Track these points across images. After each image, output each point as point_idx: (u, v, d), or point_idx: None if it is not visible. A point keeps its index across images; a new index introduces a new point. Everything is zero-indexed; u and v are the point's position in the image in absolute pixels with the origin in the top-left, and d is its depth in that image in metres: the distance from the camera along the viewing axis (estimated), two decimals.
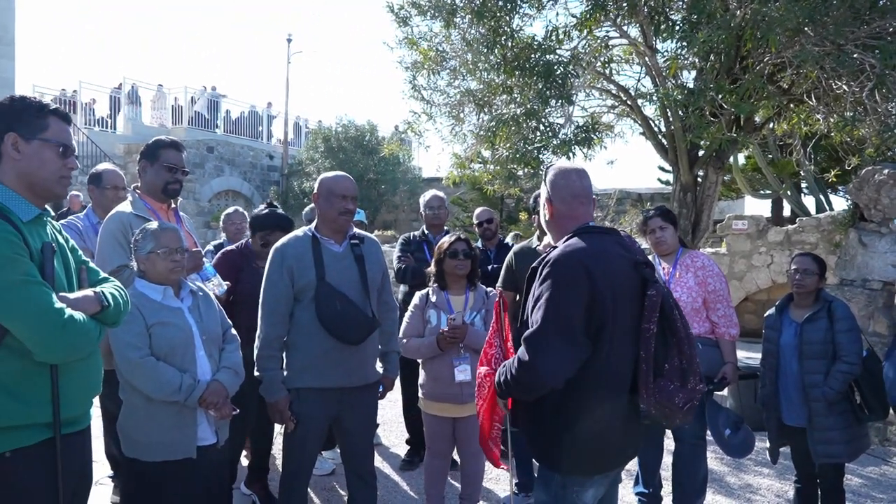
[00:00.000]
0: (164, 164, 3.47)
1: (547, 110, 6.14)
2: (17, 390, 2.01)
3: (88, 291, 2.18)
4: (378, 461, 4.93)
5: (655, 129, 6.87)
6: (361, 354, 3.30)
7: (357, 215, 3.84)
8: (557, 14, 6.37)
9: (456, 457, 4.21)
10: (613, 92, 7.02)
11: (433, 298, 3.87)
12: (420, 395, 3.90)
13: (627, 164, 69.46)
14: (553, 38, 5.97)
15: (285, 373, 3.27)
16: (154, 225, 2.93)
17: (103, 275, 2.40)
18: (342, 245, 3.32)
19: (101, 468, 4.11)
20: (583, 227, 2.40)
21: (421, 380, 3.90)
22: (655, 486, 4.30)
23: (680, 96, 5.53)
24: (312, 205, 3.43)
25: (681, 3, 5.91)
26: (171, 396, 2.74)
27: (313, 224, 3.36)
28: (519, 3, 5.98)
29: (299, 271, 3.19)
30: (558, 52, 6.09)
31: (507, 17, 6.04)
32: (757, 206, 18.69)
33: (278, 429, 4.37)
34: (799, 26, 4.93)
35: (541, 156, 6.23)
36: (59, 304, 2.00)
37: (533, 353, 2.19)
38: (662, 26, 5.58)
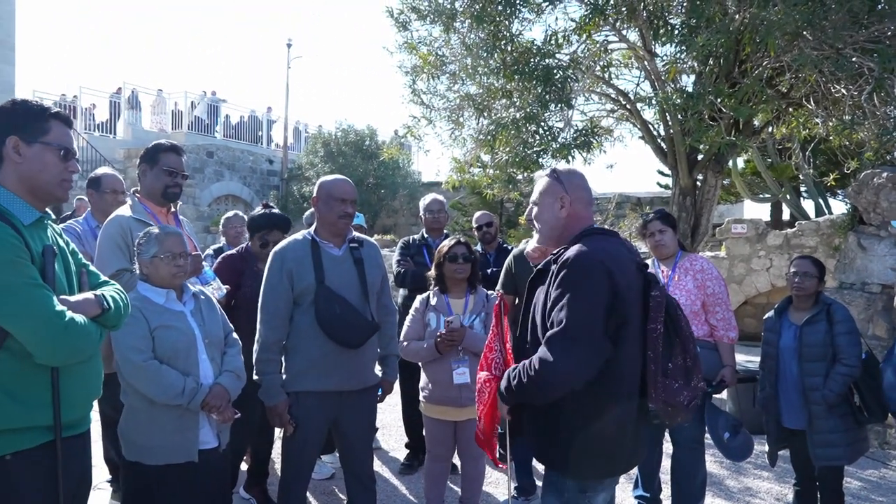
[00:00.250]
0: (164, 167, 3.47)
1: (546, 114, 6.15)
2: (18, 393, 2.02)
3: (89, 294, 2.18)
4: (377, 465, 4.92)
5: (654, 132, 6.88)
6: (361, 358, 3.30)
7: (356, 219, 3.84)
8: (557, 18, 6.45)
9: (456, 461, 4.21)
10: (613, 96, 7.04)
11: (433, 302, 3.88)
12: (421, 398, 3.90)
13: (627, 168, 69.72)
14: (552, 42, 5.99)
15: (284, 376, 3.27)
16: (158, 229, 2.93)
17: (103, 278, 2.40)
18: (341, 249, 3.33)
19: (100, 473, 4.11)
20: (590, 229, 2.40)
21: (422, 383, 3.91)
22: (655, 489, 4.30)
23: (679, 100, 5.54)
24: (312, 209, 3.44)
25: (680, 7, 5.93)
26: (174, 400, 2.74)
27: (313, 227, 3.37)
28: (518, 7, 5.99)
29: (299, 275, 3.19)
30: (557, 56, 6.11)
31: (507, 22, 6.06)
32: (756, 210, 18.75)
33: (278, 432, 4.38)
34: (798, 30, 4.95)
35: (540, 160, 6.25)
36: (60, 307, 2.00)
37: (558, 354, 2.15)
38: (661, 30, 5.59)
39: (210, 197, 20.41)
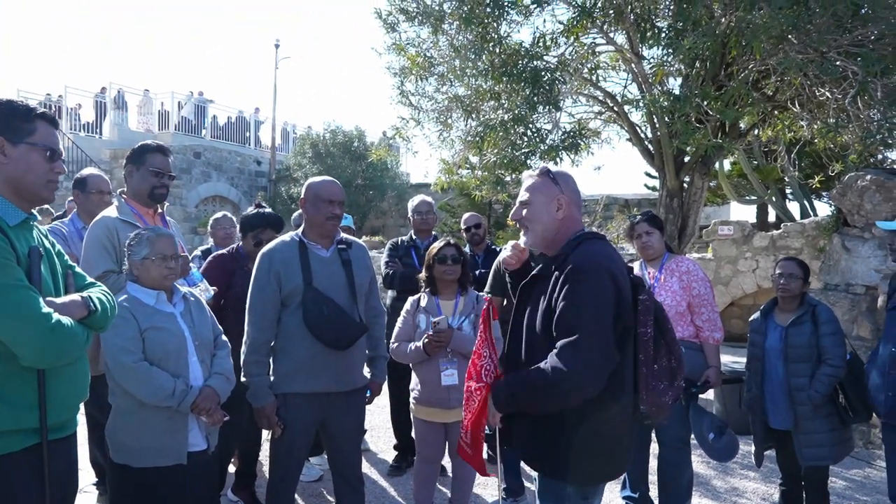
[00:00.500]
0: (151, 168, 3.45)
1: (534, 116, 6.17)
2: (4, 395, 2.00)
3: (75, 296, 2.17)
4: (366, 467, 4.91)
5: (642, 135, 6.92)
6: (349, 359, 3.29)
7: (344, 220, 3.84)
8: (545, 21, 6.46)
9: (445, 462, 4.21)
10: (600, 98, 7.07)
11: (424, 303, 3.88)
12: (411, 399, 3.90)
13: (614, 170, 69.95)
14: (540, 44, 6.01)
15: (272, 378, 3.26)
16: (149, 231, 2.92)
17: (90, 279, 2.39)
18: (329, 250, 3.32)
19: (86, 476, 4.08)
20: (587, 233, 2.39)
21: (412, 384, 3.91)
22: (643, 490, 4.32)
23: (666, 103, 5.58)
24: (300, 210, 3.43)
25: (666, 10, 5.97)
26: (164, 401, 2.73)
27: (300, 229, 3.36)
28: (506, 9, 6.01)
29: (286, 276, 3.18)
30: (545, 58, 6.14)
31: (495, 24, 6.07)
32: (742, 212, 18.86)
33: (265, 434, 4.36)
34: (783, 34, 4.99)
35: (528, 161, 6.27)
36: (46, 309, 1.99)
37: (572, 364, 2.12)
38: (648, 33, 5.62)
39: (197, 198, 20.31)
